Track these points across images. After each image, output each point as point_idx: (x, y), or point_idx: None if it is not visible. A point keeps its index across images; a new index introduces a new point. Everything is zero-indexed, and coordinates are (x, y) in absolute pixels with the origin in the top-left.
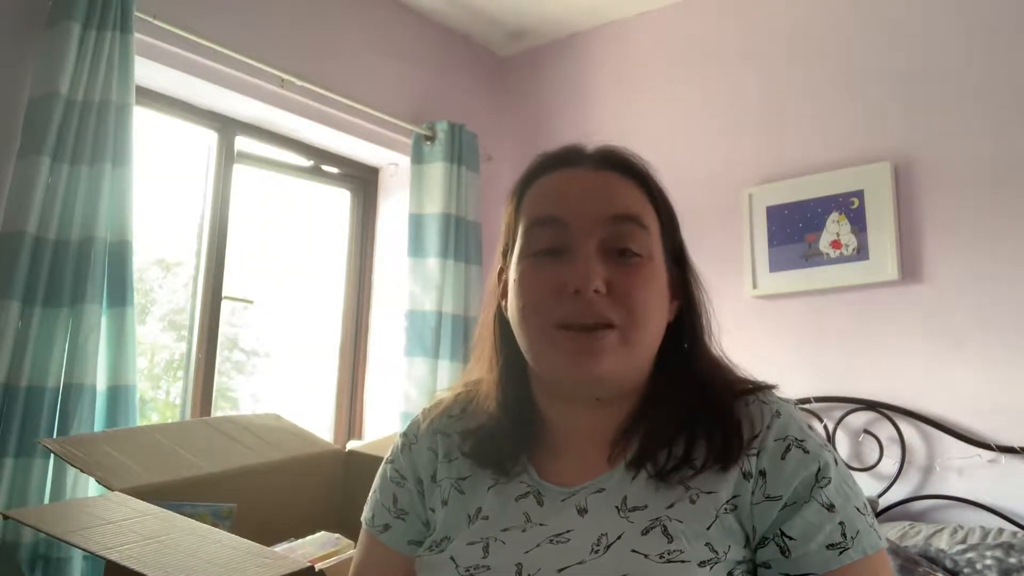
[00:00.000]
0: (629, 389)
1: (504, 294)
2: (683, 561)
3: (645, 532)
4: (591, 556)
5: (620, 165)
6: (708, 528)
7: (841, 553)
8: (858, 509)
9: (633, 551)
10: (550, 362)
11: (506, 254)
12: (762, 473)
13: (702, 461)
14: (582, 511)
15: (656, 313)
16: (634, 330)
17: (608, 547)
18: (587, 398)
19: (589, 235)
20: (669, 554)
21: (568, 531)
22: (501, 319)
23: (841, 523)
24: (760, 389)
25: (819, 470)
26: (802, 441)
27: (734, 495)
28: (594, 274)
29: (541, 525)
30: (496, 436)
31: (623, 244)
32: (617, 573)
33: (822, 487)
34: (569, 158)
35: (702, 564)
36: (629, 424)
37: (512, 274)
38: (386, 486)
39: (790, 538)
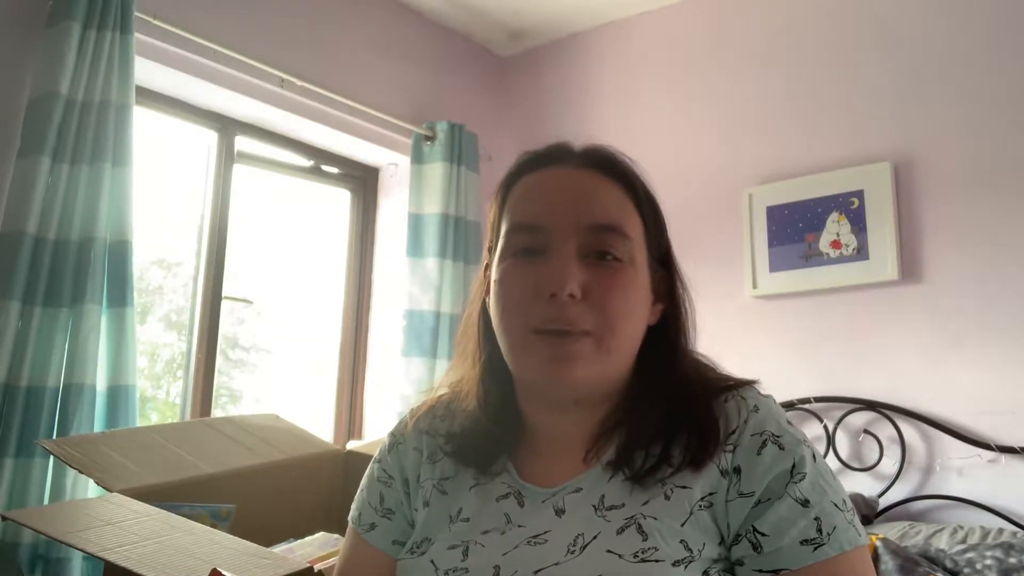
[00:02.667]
0: (608, 391)
1: (488, 291)
2: (657, 560)
3: (620, 531)
4: (567, 557)
5: (605, 165)
6: (683, 525)
7: (816, 549)
8: (836, 504)
9: (608, 551)
10: (526, 366)
11: (492, 251)
12: (736, 470)
13: (679, 461)
14: (559, 511)
15: (633, 319)
16: (610, 337)
17: (584, 547)
18: (565, 401)
19: (568, 239)
20: (644, 553)
21: (546, 532)
22: (485, 315)
23: (816, 518)
24: (740, 386)
25: (794, 465)
26: (779, 437)
27: (710, 492)
28: (570, 277)
29: (520, 527)
30: (476, 435)
31: (602, 248)
32: (592, 573)
33: (796, 482)
34: (554, 156)
35: (676, 563)
36: (608, 426)
37: (493, 274)
38: (373, 485)
39: (762, 534)
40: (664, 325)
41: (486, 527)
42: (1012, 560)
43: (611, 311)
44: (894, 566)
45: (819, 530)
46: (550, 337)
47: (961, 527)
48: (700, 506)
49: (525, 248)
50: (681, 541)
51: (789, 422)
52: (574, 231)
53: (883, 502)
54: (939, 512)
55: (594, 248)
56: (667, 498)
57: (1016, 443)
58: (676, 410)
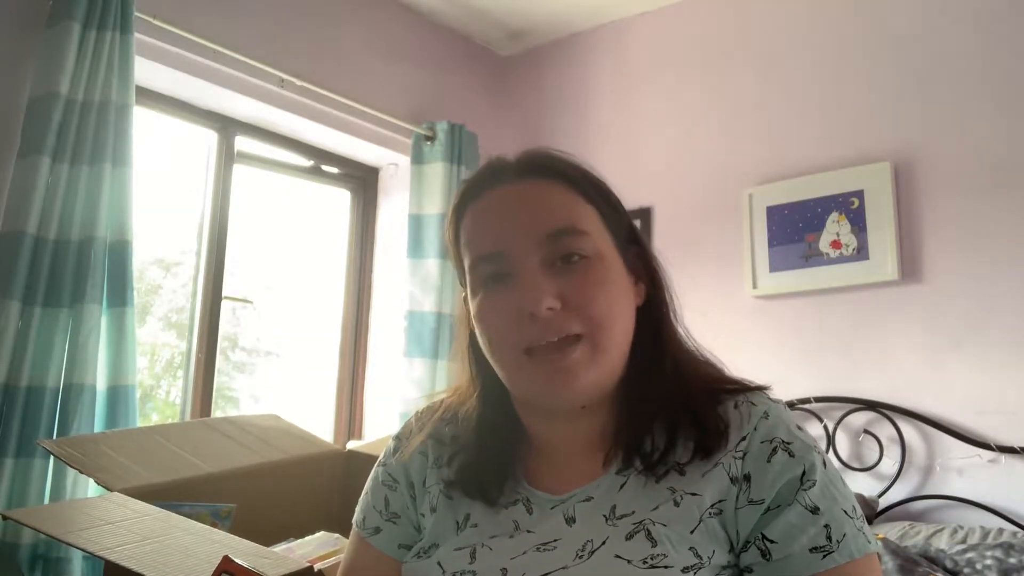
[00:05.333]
0: (611, 388)
1: (472, 323)
2: (666, 567)
3: (629, 537)
4: (575, 562)
5: (540, 169)
6: (692, 532)
7: (825, 556)
8: (846, 512)
9: (616, 556)
10: (526, 388)
11: (463, 284)
12: (747, 477)
13: (687, 458)
14: (570, 520)
15: (622, 310)
16: (602, 335)
17: (592, 553)
18: (571, 410)
19: (529, 255)
20: (653, 559)
21: (555, 540)
22: (474, 346)
23: (826, 526)
24: (749, 390)
25: (804, 473)
26: (789, 443)
27: (719, 499)
28: (543, 293)
29: (529, 532)
30: (477, 467)
31: (565, 251)
32: None
33: (806, 489)
34: (491, 176)
35: (685, 570)
36: (613, 426)
37: (472, 309)
38: (378, 489)
39: (771, 541)
40: (649, 304)
41: (494, 532)
42: (1012, 560)
43: (595, 310)
44: (894, 566)
45: (828, 537)
46: (544, 353)
47: (961, 527)
48: (710, 513)
49: (492, 276)
50: (691, 548)
51: (800, 428)
52: (533, 245)
53: (883, 502)
54: (939, 512)
55: (558, 254)
56: (677, 505)
57: (1016, 443)
58: (679, 405)
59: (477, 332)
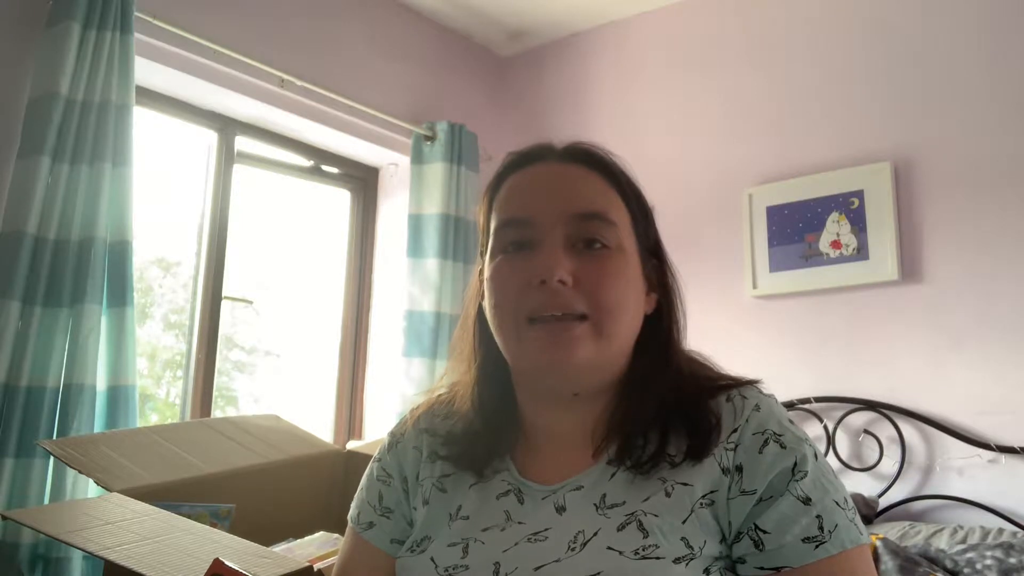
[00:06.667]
0: (607, 382)
1: (483, 293)
2: (658, 558)
3: (621, 528)
4: (567, 554)
5: (585, 158)
6: (684, 522)
7: (817, 547)
8: (837, 503)
9: (608, 548)
10: (524, 355)
11: (483, 253)
12: (739, 468)
13: (680, 456)
14: (560, 509)
15: (629, 305)
16: (608, 322)
17: (584, 544)
18: (565, 394)
19: (554, 230)
20: (644, 550)
21: (546, 529)
22: (481, 319)
23: (818, 516)
24: (741, 384)
25: (795, 464)
26: (780, 435)
27: (711, 490)
28: (558, 264)
29: (520, 524)
30: (471, 440)
31: (589, 235)
32: (592, 571)
33: (798, 480)
34: (536, 155)
35: (677, 560)
36: (608, 419)
37: (486, 272)
38: (372, 484)
39: (764, 531)
40: (658, 314)
41: (486, 524)
42: (1012, 560)
43: (604, 297)
44: (894, 566)
45: (820, 528)
46: (546, 323)
47: (961, 527)
48: (701, 504)
49: (514, 242)
50: (682, 539)
51: (791, 421)
52: (560, 221)
53: (883, 502)
54: (939, 512)
55: (581, 236)
56: (668, 495)
57: (1016, 443)
58: (674, 403)
59: (486, 296)
